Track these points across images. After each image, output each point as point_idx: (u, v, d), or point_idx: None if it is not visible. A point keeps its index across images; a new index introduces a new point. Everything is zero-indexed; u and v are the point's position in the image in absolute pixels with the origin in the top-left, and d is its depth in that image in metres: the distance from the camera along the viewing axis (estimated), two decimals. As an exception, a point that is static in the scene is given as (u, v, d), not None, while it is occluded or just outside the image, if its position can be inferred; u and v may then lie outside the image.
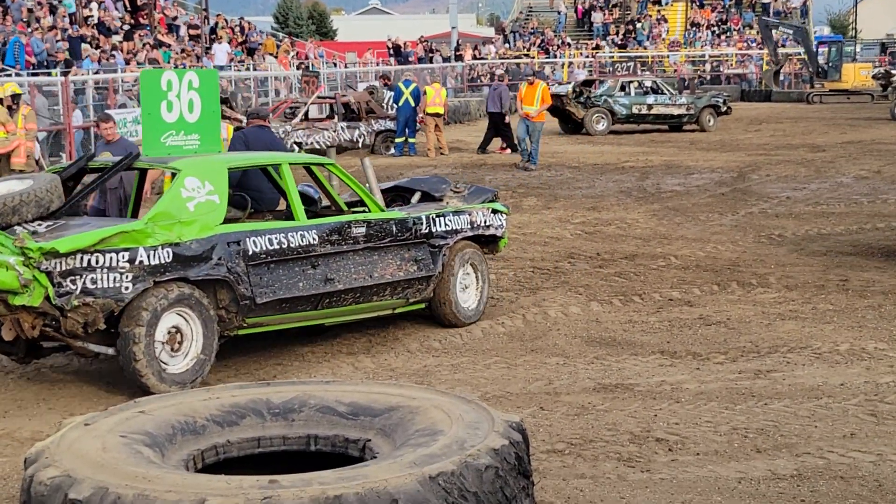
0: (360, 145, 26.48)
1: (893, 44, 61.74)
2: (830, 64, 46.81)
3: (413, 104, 26.19)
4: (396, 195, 10.73)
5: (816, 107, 43.62)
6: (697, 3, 62.85)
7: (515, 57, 53.94)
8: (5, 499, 6.16)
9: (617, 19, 61.86)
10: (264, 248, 8.39)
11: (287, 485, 3.93)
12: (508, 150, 26.04)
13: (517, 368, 8.63)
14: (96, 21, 32.48)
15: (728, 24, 61.93)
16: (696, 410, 7.44)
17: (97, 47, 30.44)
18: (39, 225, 7.92)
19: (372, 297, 9.16)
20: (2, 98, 17.51)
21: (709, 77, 52.94)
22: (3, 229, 7.70)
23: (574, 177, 21.51)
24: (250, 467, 4.74)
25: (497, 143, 26.84)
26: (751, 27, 60.34)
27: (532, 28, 61.74)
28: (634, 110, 32.42)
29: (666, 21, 61.60)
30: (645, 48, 58.05)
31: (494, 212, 10.42)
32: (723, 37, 60.53)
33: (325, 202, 9.94)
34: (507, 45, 58.19)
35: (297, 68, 37.70)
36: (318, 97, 28.19)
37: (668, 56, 56.51)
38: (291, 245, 8.55)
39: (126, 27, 33.51)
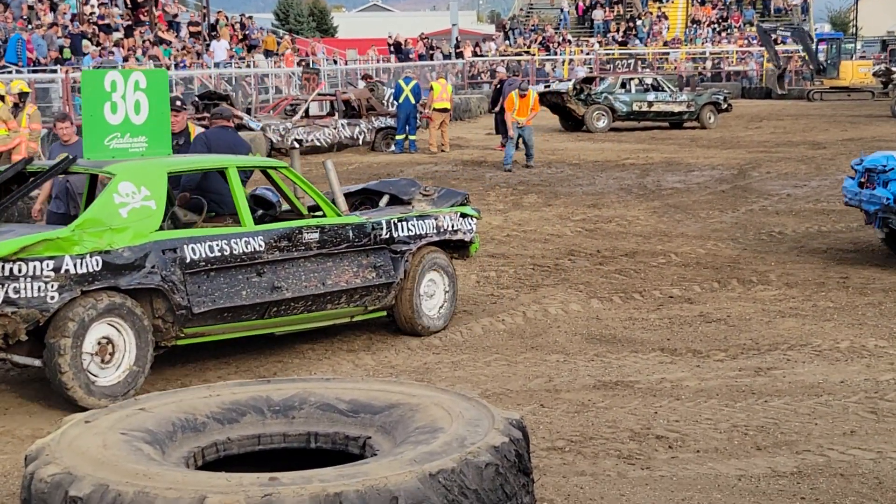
0: (360, 142, 26.48)
1: (894, 41, 61.66)
2: (829, 61, 46.78)
3: (413, 101, 26.19)
4: (365, 198, 10.41)
5: (817, 104, 43.60)
6: (698, 1, 62.82)
7: (516, 54, 53.91)
8: (6, 496, 6.17)
9: (618, 16, 61.84)
10: (203, 256, 8.07)
11: (287, 482, 3.94)
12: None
13: (517, 366, 8.64)
14: (97, 17, 32.46)
15: (728, 21, 61.90)
16: (697, 408, 7.45)
17: (98, 44, 30.45)
18: None
19: (325, 305, 8.83)
20: (3, 95, 17.52)
21: (709, 74, 52.90)
22: None
23: (574, 174, 21.52)
24: (250, 465, 4.74)
25: (498, 140, 26.83)
26: (751, 24, 60.32)
27: (532, 25, 61.72)
28: (635, 107, 32.41)
29: (666, 18, 61.58)
30: (645, 45, 58.03)
31: (464, 216, 10.02)
32: (723, 34, 60.49)
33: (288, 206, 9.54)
34: (507, 43, 58.16)
35: (298, 65, 37.68)
36: (319, 94, 28.19)
37: (668, 53, 56.48)
38: (234, 252, 8.23)
39: (126, 24, 33.48)
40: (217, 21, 39.16)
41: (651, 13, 61.71)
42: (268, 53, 40.27)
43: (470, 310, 10.47)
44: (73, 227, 7.65)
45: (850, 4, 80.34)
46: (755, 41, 55.48)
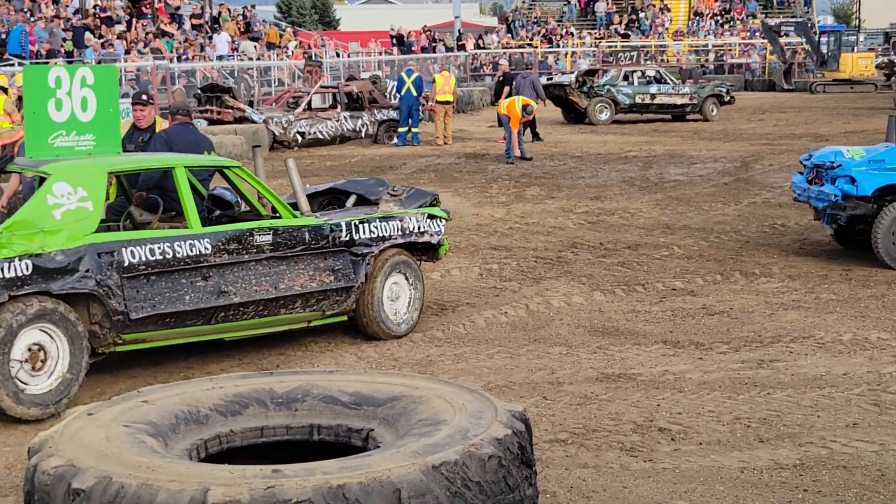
0: (363, 135, 26.49)
1: (897, 33, 61.66)
2: (830, 54, 46.76)
3: (415, 93, 26.17)
4: (333, 198, 10.14)
5: (820, 96, 43.56)
6: (701, -7, 62.80)
7: (519, 46, 53.87)
8: (9, 488, 6.18)
9: (620, 8, 61.77)
10: (143, 259, 7.76)
11: (290, 474, 3.94)
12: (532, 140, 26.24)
13: (520, 358, 8.64)
14: (99, 10, 32.45)
15: (731, 13, 61.81)
16: (699, 400, 7.45)
17: (100, 37, 30.45)
18: None
19: (279, 309, 8.51)
20: (6, 87, 17.52)
21: (712, 66, 52.86)
22: None
23: (577, 166, 21.50)
24: (253, 457, 4.74)
25: (500, 132, 26.82)
26: (754, 16, 60.23)
27: (535, 17, 61.66)
28: (638, 100, 32.39)
29: (669, 10, 61.51)
30: (648, 37, 57.97)
31: (432, 217, 9.67)
32: (726, 26, 60.42)
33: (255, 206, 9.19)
34: (509, 35, 58.12)
35: (301, 58, 37.68)
36: (322, 87, 28.19)
37: (671, 45, 56.43)
38: (178, 255, 7.93)
39: (127, 17, 33.47)
40: (220, 13, 39.13)
41: (654, 5, 61.61)
42: (270, 46, 40.26)
43: (473, 302, 10.47)
44: (1, 230, 7.42)
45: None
46: (758, 33, 55.43)
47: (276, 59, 37.74)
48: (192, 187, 8.89)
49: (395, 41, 48.69)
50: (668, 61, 51.24)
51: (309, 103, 26.64)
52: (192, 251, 8.01)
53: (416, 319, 9.49)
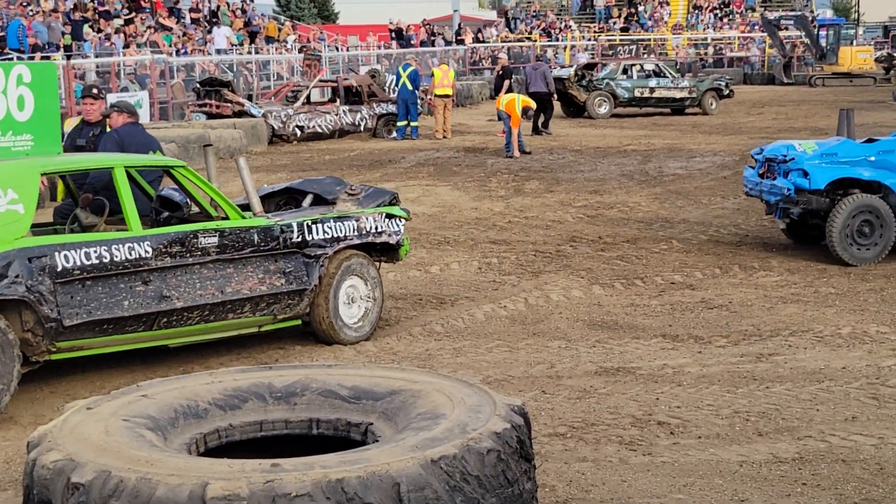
0: (362, 129, 26.48)
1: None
2: (829, 47, 46.77)
3: (410, 87, 26.12)
4: (290, 197, 9.80)
5: (819, 90, 43.54)
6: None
7: (518, 40, 53.84)
8: (9, 482, 6.18)
9: (619, 2, 61.76)
10: (78, 264, 7.41)
11: (289, 468, 3.94)
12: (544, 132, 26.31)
13: (519, 352, 8.64)
14: (98, 3, 32.43)
15: (730, 6, 61.79)
16: (698, 394, 7.45)
17: (98, 31, 30.43)
18: None
19: (226, 314, 8.19)
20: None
21: (711, 60, 52.84)
22: None
23: (576, 160, 21.50)
24: (252, 451, 4.74)
25: (499, 126, 26.82)
26: (753, 10, 60.21)
27: (534, 11, 61.63)
28: (637, 93, 32.39)
29: (668, 4, 61.49)
30: (647, 31, 57.95)
31: (390, 216, 9.30)
32: (725, 20, 60.41)
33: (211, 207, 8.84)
34: (508, 29, 58.10)
35: (299, 52, 37.65)
36: (320, 81, 28.17)
37: (670, 39, 56.40)
38: (116, 259, 7.58)
39: (126, 11, 33.45)
40: (218, 7, 39.11)
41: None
42: (269, 40, 40.24)
43: (472, 296, 10.48)
44: None
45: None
46: (757, 27, 55.43)
47: (275, 53, 37.71)
48: (140, 188, 8.73)
49: (394, 35, 48.66)
50: (667, 55, 51.23)
51: (308, 97, 26.64)
52: (131, 255, 7.67)
53: (375, 322, 9.15)
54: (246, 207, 8.80)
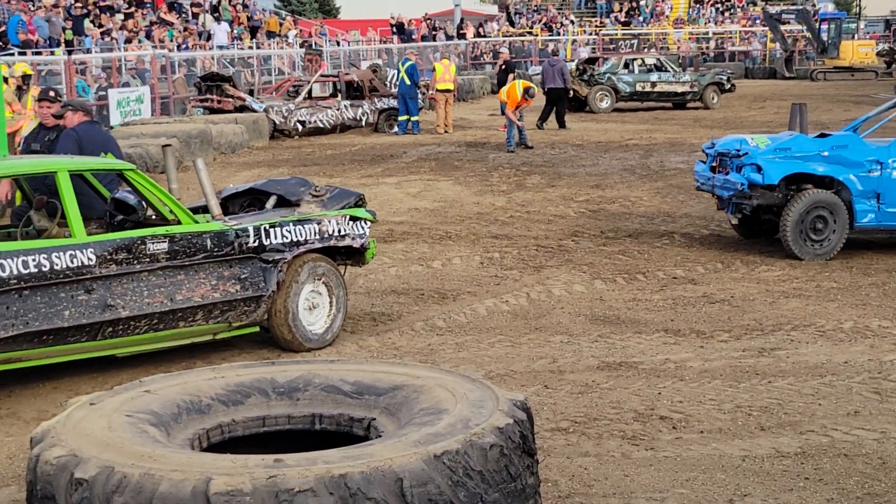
0: (363, 123, 26.49)
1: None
2: (830, 41, 46.75)
3: (409, 82, 26.10)
4: (254, 199, 9.40)
5: (820, 84, 43.52)
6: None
7: (519, 35, 53.82)
8: (12, 477, 6.19)
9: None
10: (14, 273, 7.08)
11: (292, 464, 3.95)
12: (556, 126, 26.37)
13: (521, 347, 8.64)
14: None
15: (732, 1, 61.74)
16: (700, 388, 7.45)
17: (99, 26, 30.42)
18: None
19: (176, 323, 7.89)
20: (7, 77, 17.51)
21: (712, 54, 52.81)
22: None
23: (578, 155, 21.49)
24: (255, 446, 4.75)
25: (502, 120, 26.81)
26: (754, 4, 60.16)
27: (535, 6, 61.58)
28: (638, 88, 32.37)
29: (670, -2, 61.51)
30: (649, 25, 57.91)
31: (354, 219, 8.96)
32: (726, 14, 60.37)
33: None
34: (509, 23, 58.08)
35: (301, 46, 37.64)
36: (322, 75, 28.16)
37: (671, 33, 56.37)
38: (56, 267, 7.25)
39: (126, 6, 33.44)
40: (219, 2, 39.10)
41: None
42: (270, 35, 40.24)
43: (474, 291, 10.48)
44: None
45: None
46: (758, 21, 55.39)
47: (277, 48, 37.70)
48: (95, 191, 8.56)
49: (395, 29, 48.64)
50: (668, 49, 51.20)
51: (309, 92, 26.63)
52: (72, 262, 7.34)
53: (338, 329, 8.83)
54: (203, 210, 8.57)
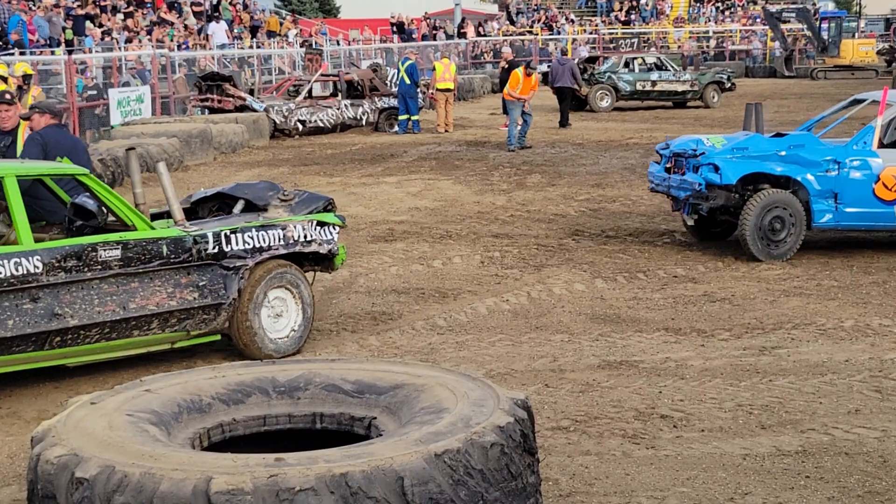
0: (363, 123, 26.49)
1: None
2: (831, 40, 46.75)
3: (408, 81, 26.09)
4: (223, 203, 9.14)
5: (821, 83, 43.51)
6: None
7: (519, 34, 53.81)
8: (13, 477, 6.19)
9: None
10: None
11: (293, 463, 3.95)
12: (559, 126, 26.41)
13: (522, 346, 8.64)
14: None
15: (732, -1, 61.79)
16: (701, 387, 7.45)
17: (100, 26, 30.42)
18: None
19: (130, 332, 7.67)
20: (6, 77, 17.51)
21: (713, 53, 52.81)
22: None
23: (578, 154, 21.48)
24: (256, 445, 4.75)
25: (501, 120, 26.81)
26: (754, 3, 60.14)
27: (536, 5, 61.58)
28: (638, 87, 32.37)
29: (670, -4, 61.50)
30: (648, 24, 57.91)
31: (322, 224, 8.73)
32: (727, 13, 60.35)
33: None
34: (510, 22, 58.08)
35: (301, 46, 37.64)
36: (322, 75, 28.16)
37: (672, 32, 56.36)
38: (0, 275, 7.09)
39: (125, 6, 33.44)
40: (219, 2, 39.10)
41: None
42: (270, 34, 40.23)
43: (474, 290, 10.48)
44: None
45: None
46: (759, 20, 55.38)
47: (277, 48, 37.70)
48: (55, 196, 8.44)
49: (395, 28, 48.63)
50: (668, 48, 51.19)
51: (310, 91, 26.63)
52: (17, 270, 7.15)
53: (303, 337, 8.60)
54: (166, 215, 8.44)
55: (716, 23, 58.66)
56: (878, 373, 7.71)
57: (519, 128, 22.42)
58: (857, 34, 51.57)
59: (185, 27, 34.48)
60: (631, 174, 18.39)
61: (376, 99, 26.79)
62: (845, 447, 6.32)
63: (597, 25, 56.95)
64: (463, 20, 53.11)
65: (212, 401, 4.85)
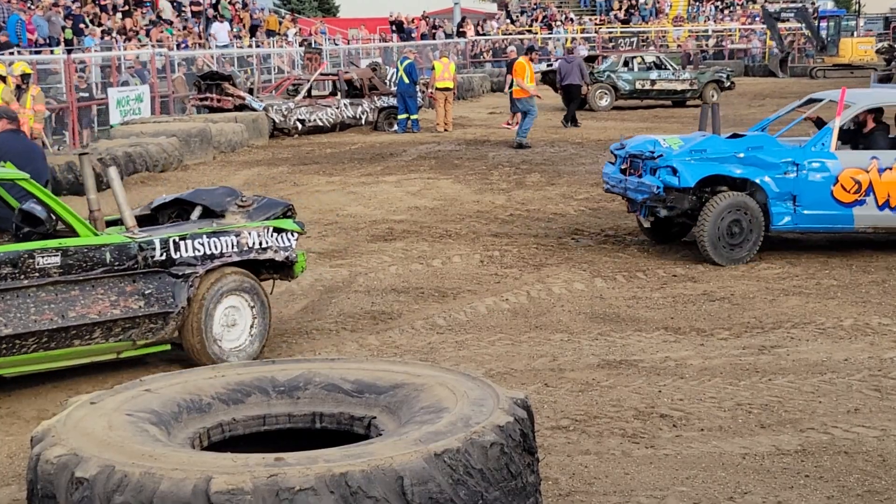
0: (363, 122, 26.48)
1: (897, 18, 61.61)
2: (829, 39, 46.75)
3: (407, 80, 26.09)
4: (182, 209, 8.95)
5: (820, 81, 43.47)
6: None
7: (518, 33, 53.80)
8: (12, 477, 6.19)
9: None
10: None
11: (293, 462, 3.95)
12: (568, 124, 26.30)
13: (521, 345, 8.64)
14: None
15: (731, -2, 61.77)
16: (701, 386, 7.46)
17: (99, 24, 30.42)
18: None
19: (71, 341, 7.41)
20: (5, 76, 17.52)
21: (712, 52, 52.79)
22: None
23: (577, 153, 21.48)
24: (256, 445, 4.75)
25: (500, 119, 26.81)
26: (754, 1, 60.14)
27: (535, 3, 61.57)
28: (638, 86, 32.36)
29: (669, -5, 61.49)
30: (648, 23, 57.92)
31: (279, 231, 8.49)
32: (726, 11, 60.34)
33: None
34: (509, 21, 58.07)
35: (300, 45, 37.63)
36: (321, 74, 28.16)
37: (671, 31, 56.36)
38: None
39: (124, 5, 33.45)
40: (218, 1, 39.09)
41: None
42: (270, 33, 40.23)
43: (474, 289, 10.48)
44: None
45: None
46: (758, 19, 55.38)
47: (276, 47, 37.70)
48: (3, 202, 8.30)
49: (394, 27, 48.63)
50: (668, 47, 51.19)
51: (309, 90, 26.63)
52: None
53: (259, 346, 8.36)
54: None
55: (715, 22, 58.65)
56: (877, 372, 7.71)
57: (523, 124, 22.45)
58: (855, 33, 51.56)
59: (185, 27, 34.46)
60: (630, 173, 18.37)
61: (375, 98, 26.78)
62: (844, 446, 6.32)
63: (584, 25, 56.91)
64: (462, 19, 53.12)
65: (212, 400, 4.85)
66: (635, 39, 53.08)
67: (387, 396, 4.82)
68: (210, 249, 8.05)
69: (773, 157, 11.34)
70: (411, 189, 16.84)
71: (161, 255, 7.79)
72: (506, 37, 50.92)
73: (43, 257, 7.28)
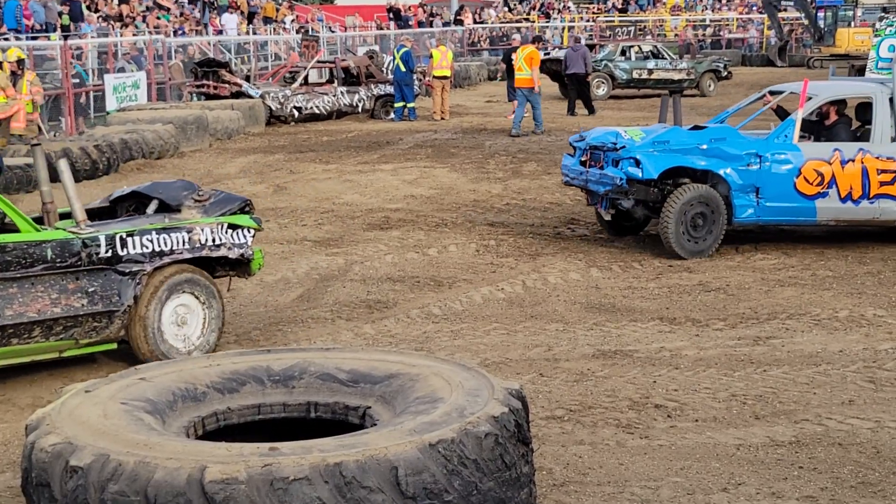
0: (359, 110, 26.45)
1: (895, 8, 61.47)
2: (827, 28, 46.71)
3: (404, 69, 26.06)
4: (139, 203, 8.66)
5: (818, 71, 43.45)
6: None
7: (516, 21, 53.75)
8: (7, 464, 6.19)
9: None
10: None
11: (287, 452, 3.96)
12: (586, 112, 26.31)
13: (517, 335, 8.65)
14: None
15: (729, -12, 61.71)
16: (695, 377, 7.46)
17: (96, 11, 30.34)
18: None
19: (8, 340, 7.15)
20: (1, 62, 17.49)
21: (709, 42, 52.77)
22: None
23: (574, 142, 21.44)
24: (251, 434, 4.76)
25: (499, 107, 26.79)
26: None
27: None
28: (635, 75, 32.34)
29: (667, -15, 61.44)
30: (645, 12, 57.87)
31: (234, 227, 8.21)
32: (724, 1, 60.29)
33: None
34: (507, 9, 58.00)
35: (297, 32, 37.57)
36: (318, 61, 28.12)
37: (668, 20, 56.32)
38: None
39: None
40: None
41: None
42: (267, 20, 40.15)
43: (469, 279, 10.48)
44: None
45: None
46: (755, 8, 55.33)
47: (273, 34, 37.63)
48: None
49: (391, 15, 48.57)
50: (665, 36, 51.15)
51: (306, 78, 26.59)
52: None
53: (212, 344, 8.10)
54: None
55: (713, 11, 58.61)
56: (872, 363, 7.72)
57: (518, 113, 22.46)
58: (853, 23, 51.52)
59: (182, 13, 34.39)
60: (627, 163, 18.36)
61: (372, 86, 26.76)
62: (839, 438, 6.33)
63: (594, 13, 56.90)
64: (460, 7, 53.05)
65: (206, 389, 4.86)
66: (633, 28, 53.03)
67: (382, 386, 4.82)
68: (159, 246, 7.78)
69: (735, 149, 11.24)
70: (407, 178, 16.83)
71: (107, 251, 7.53)
72: (503, 24, 50.85)
73: None
